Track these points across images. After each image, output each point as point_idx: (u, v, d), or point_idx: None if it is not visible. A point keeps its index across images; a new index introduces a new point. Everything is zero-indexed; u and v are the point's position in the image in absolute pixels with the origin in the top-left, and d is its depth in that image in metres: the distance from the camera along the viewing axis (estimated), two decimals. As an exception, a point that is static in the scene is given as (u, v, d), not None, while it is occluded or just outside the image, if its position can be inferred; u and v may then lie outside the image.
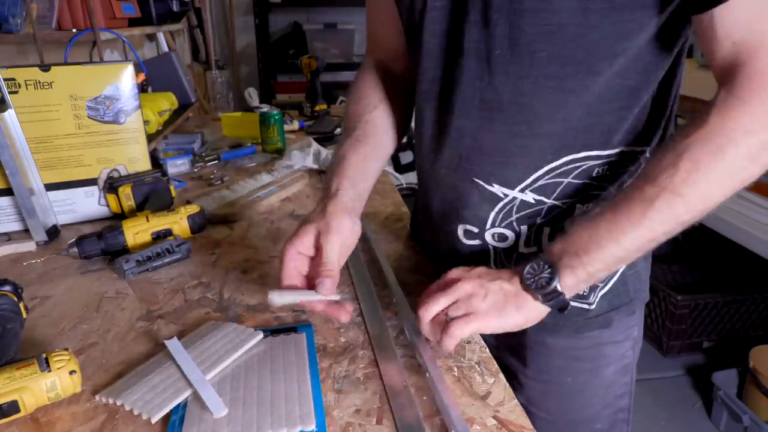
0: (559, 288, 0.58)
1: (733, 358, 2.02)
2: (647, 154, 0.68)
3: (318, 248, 0.63)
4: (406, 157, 3.13)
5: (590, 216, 0.59)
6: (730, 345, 2.20)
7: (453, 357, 0.63)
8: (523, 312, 0.59)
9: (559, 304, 0.59)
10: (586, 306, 0.74)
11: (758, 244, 1.68)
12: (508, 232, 0.72)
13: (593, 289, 0.74)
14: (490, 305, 0.59)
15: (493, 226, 0.72)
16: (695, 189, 0.54)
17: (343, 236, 0.64)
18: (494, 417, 0.54)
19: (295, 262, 0.63)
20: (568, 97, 0.62)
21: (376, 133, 0.77)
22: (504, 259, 0.74)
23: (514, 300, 0.59)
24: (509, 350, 0.82)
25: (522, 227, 0.71)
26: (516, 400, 0.57)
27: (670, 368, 2.18)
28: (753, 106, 0.53)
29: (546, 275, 0.58)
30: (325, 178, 0.74)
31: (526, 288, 0.59)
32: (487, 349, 0.65)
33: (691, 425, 1.94)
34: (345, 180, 0.69)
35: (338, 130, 1.71)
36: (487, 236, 0.73)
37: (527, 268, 0.59)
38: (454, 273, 0.63)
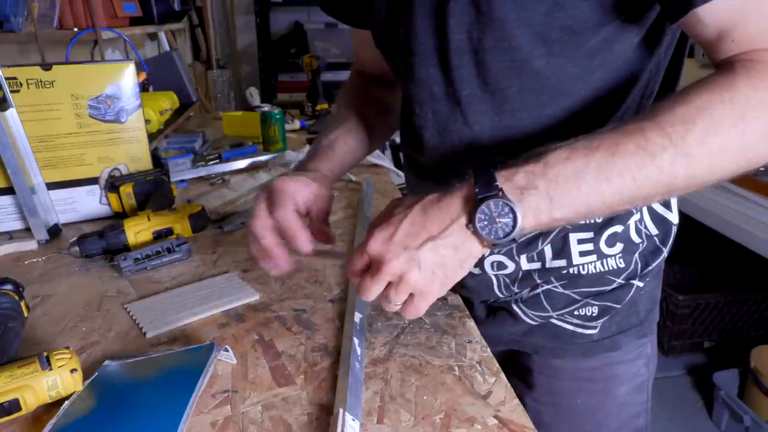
0: (516, 238, 0.48)
1: (734, 358, 2.02)
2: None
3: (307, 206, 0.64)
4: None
5: (574, 147, 0.48)
6: (731, 345, 2.19)
7: (453, 357, 0.63)
8: (466, 265, 0.51)
9: (501, 248, 0.52)
10: (589, 331, 0.71)
11: (759, 244, 1.68)
12: (508, 262, 0.70)
13: (601, 314, 0.70)
14: (428, 277, 0.50)
15: (491, 252, 0.70)
16: (707, 154, 0.47)
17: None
18: (495, 416, 0.54)
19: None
20: (550, 123, 0.61)
21: (356, 136, 0.77)
22: (509, 283, 0.72)
23: (454, 257, 0.50)
24: (512, 372, 0.79)
25: (522, 256, 0.69)
26: (517, 400, 0.56)
27: (671, 368, 2.18)
28: None
29: (506, 222, 0.47)
30: (313, 150, 0.75)
31: (475, 232, 0.49)
32: (488, 349, 0.65)
33: (692, 425, 1.94)
34: (329, 163, 0.71)
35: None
36: (486, 265, 0.71)
37: (481, 207, 0.48)
38: (373, 246, 0.51)
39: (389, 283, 0.51)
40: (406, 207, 0.51)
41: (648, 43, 0.59)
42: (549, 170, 0.48)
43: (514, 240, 0.48)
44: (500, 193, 0.47)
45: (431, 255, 0.49)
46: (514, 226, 0.47)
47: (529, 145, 0.61)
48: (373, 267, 0.51)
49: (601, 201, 0.48)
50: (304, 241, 0.60)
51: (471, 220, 0.48)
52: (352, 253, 0.53)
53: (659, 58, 0.61)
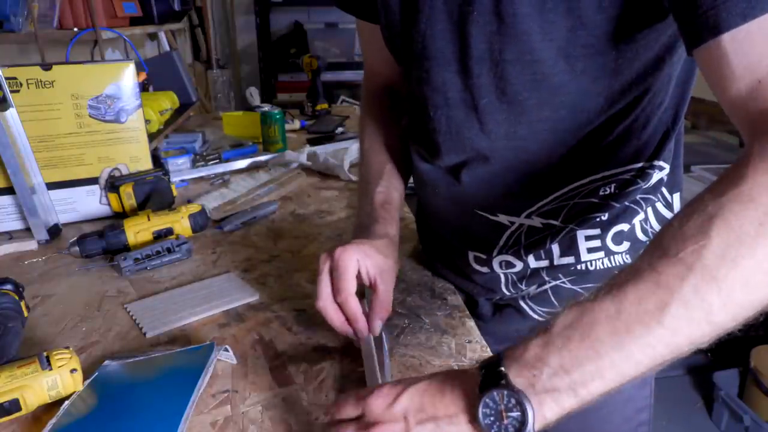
0: (532, 430, 0.39)
1: (734, 358, 2.02)
2: (661, 164, 0.66)
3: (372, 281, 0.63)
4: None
5: (582, 307, 0.41)
6: (730, 345, 2.18)
7: (453, 357, 0.63)
8: None
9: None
10: None
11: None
12: (516, 261, 0.70)
13: None
14: None
15: (500, 252, 0.70)
16: (735, 270, 0.37)
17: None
18: (495, 416, 0.54)
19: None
20: (565, 135, 0.61)
21: (398, 172, 0.78)
22: (516, 281, 0.72)
23: None
24: None
25: (530, 256, 0.69)
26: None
27: (670, 368, 2.12)
28: None
29: (514, 417, 0.39)
30: (370, 203, 0.72)
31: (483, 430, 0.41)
32: (488, 349, 0.65)
33: (692, 425, 1.94)
34: (395, 225, 0.70)
35: (339, 130, 1.71)
36: (495, 264, 0.71)
37: (484, 400, 0.40)
38: (374, 403, 0.45)
39: None
40: (416, 380, 0.46)
41: (661, 57, 0.58)
42: (556, 339, 0.40)
43: None
44: (504, 381, 0.40)
45: None
46: (524, 421, 0.39)
47: (541, 155, 0.62)
48: (362, 421, 0.45)
49: (633, 360, 0.39)
50: (362, 328, 0.61)
51: (476, 418, 0.40)
52: (344, 398, 0.48)
53: (670, 70, 0.61)
